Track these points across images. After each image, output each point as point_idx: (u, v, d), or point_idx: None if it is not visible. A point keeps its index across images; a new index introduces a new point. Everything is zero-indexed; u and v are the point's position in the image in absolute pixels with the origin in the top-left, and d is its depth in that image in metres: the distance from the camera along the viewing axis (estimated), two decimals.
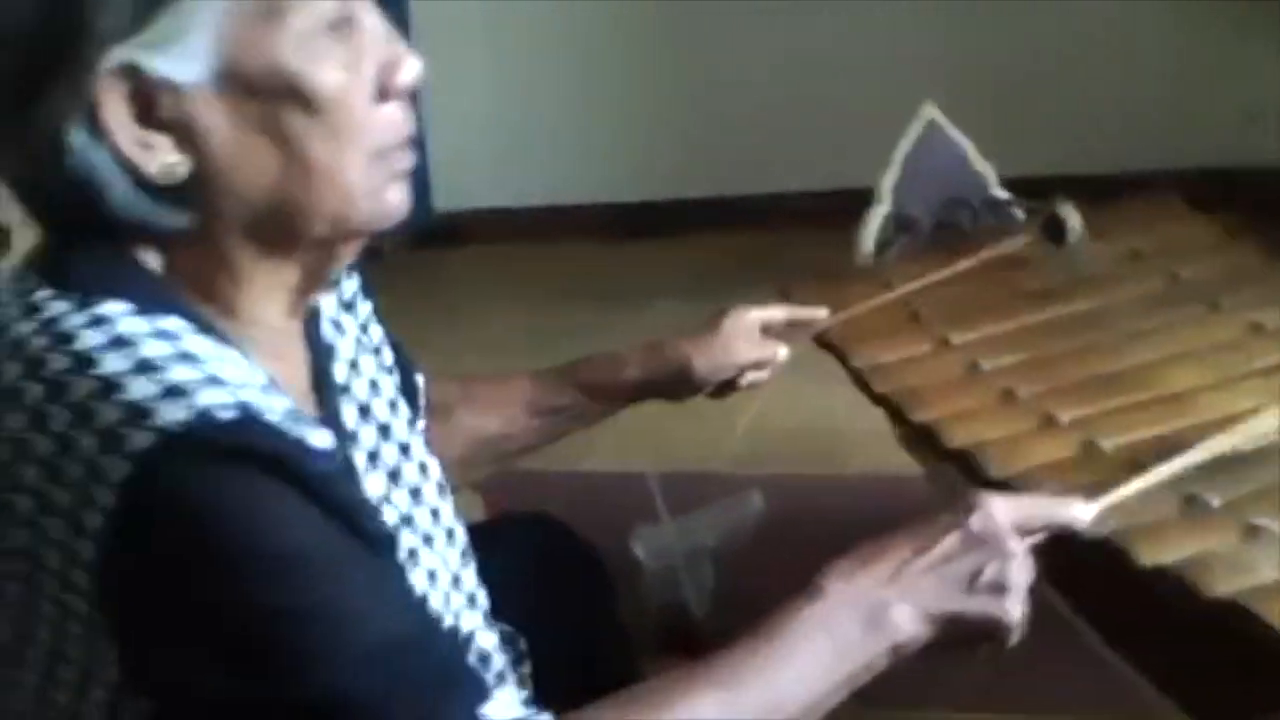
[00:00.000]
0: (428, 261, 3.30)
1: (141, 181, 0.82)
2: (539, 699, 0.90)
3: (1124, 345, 1.31)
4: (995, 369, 1.30)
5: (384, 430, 1.02)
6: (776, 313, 1.38)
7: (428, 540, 1.01)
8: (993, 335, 1.36)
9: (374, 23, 0.87)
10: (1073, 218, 1.44)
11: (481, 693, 0.83)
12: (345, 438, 0.95)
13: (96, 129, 0.81)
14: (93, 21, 0.79)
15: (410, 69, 0.87)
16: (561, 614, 1.18)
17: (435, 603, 0.97)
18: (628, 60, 3.45)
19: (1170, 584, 0.97)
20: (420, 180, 1.77)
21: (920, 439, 1.26)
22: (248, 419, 0.78)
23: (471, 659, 1.00)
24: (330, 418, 0.94)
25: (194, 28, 0.81)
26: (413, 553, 0.98)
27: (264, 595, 0.77)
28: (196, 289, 0.87)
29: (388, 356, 1.08)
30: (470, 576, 1.05)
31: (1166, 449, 1.05)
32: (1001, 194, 1.50)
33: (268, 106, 0.83)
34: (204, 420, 0.76)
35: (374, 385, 1.04)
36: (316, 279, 0.92)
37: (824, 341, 1.39)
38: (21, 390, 0.79)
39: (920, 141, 1.49)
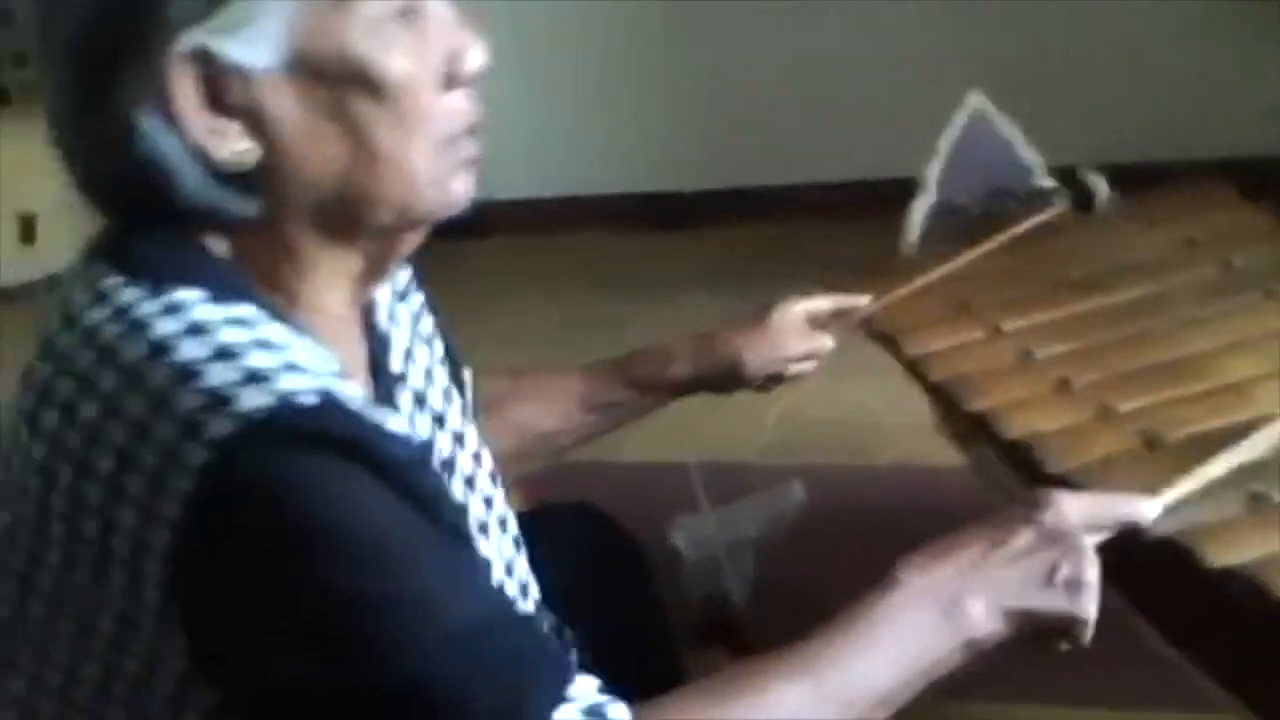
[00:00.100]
0: (449, 253, 3.28)
1: (210, 168, 0.82)
2: None
3: (1179, 333, 1.29)
4: (1048, 357, 1.29)
5: (439, 420, 1.02)
6: (823, 303, 1.38)
7: (482, 529, 1.01)
8: (1044, 323, 1.34)
9: (441, 9, 0.87)
10: (1099, 185, 1.45)
11: (564, 676, 0.82)
12: None
13: (167, 115, 0.81)
14: (165, 6, 0.79)
15: (476, 56, 0.86)
16: (603, 604, 1.17)
17: None
18: (646, 56, 3.45)
19: (1239, 585, 0.95)
20: None
21: (975, 428, 1.25)
22: (329, 404, 0.77)
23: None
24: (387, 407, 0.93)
25: (265, 13, 0.80)
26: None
27: (344, 580, 0.76)
28: (260, 276, 0.86)
29: (439, 347, 1.08)
30: (522, 565, 1.05)
31: (1228, 441, 1.04)
32: (1048, 183, 1.49)
33: (336, 93, 0.82)
34: (286, 406, 0.76)
35: (429, 375, 1.04)
36: (379, 268, 0.92)
37: (874, 332, 1.38)
38: (95, 378, 0.79)
39: (966, 131, 1.48)
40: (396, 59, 0.83)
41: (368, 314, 0.97)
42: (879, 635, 0.87)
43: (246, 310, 0.81)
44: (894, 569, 0.89)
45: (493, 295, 3.24)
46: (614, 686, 0.83)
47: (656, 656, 1.24)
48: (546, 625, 1.04)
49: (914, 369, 1.32)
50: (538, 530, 1.09)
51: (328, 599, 0.76)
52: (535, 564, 1.06)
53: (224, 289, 0.82)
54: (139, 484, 0.77)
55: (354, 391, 0.81)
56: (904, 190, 1.58)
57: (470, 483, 1.02)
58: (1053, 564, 0.89)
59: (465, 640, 0.78)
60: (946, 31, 3.20)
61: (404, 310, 1.04)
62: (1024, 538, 0.90)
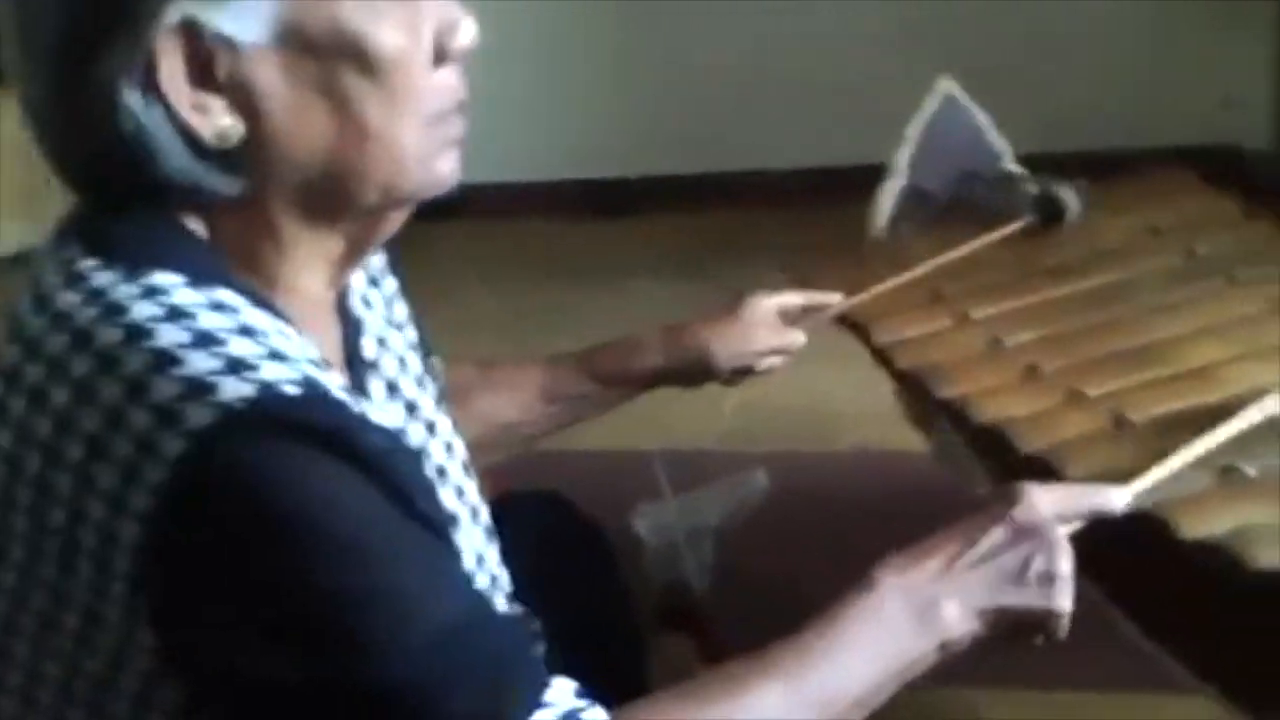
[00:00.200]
0: (395, 238, 3.26)
1: (193, 145, 0.80)
2: None
3: (1145, 320, 1.31)
4: (1017, 345, 1.30)
5: (410, 408, 1.01)
6: (793, 298, 1.38)
7: (453, 519, 0.99)
8: (1013, 310, 1.35)
9: None
10: (1071, 198, 1.44)
11: (543, 680, 0.80)
12: None
13: (151, 89, 0.78)
14: None
15: (468, 31, 0.85)
16: (567, 591, 1.16)
17: None
18: (596, 39, 3.42)
19: (1213, 557, 0.97)
20: None
21: (941, 414, 1.25)
22: (312, 394, 0.76)
23: None
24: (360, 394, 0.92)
25: None
26: None
27: (324, 575, 0.75)
28: (238, 258, 0.84)
29: (412, 333, 1.06)
30: (494, 556, 1.04)
31: (1195, 423, 1.05)
32: (1015, 169, 1.50)
33: (326, 67, 0.80)
34: (268, 395, 0.74)
35: (402, 362, 1.02)
36: (359, 250, 0.90)
37: (844, 320, 1.38)
38: (67, 363, 0.76)
39: (937, 116, 1.48)
40: (389, 33, 0.81)
41: (341, 298, 0.95)
42: (855, 637, 0.87)
43: (227, 295, 0.79)
44: (871, 570, 0.89)
45: (440, 282, 3.20)
46: (589, 690, 0.82)
47: (620, 643, 1.23)
48: (517, 617, 1.03)
49: (883, 356, 1.33)
50: (500, 518, 1.08)
51: (307, 592, 0.74)
52: (501, 553, 1.04)
53: (203, 272, 0.80)
54: (110, 474, 0.74)
55: (335, 381, 0.79)
56: (866, 177, 1.58)
57: (442, 472, 1.00)
58: (1025, 559, 0.89)
59: (444, 640, 0.76)
60: (907, 18, 3.20)
61: (377, 295, 1.02)
62: (995, 535, 0.90)
